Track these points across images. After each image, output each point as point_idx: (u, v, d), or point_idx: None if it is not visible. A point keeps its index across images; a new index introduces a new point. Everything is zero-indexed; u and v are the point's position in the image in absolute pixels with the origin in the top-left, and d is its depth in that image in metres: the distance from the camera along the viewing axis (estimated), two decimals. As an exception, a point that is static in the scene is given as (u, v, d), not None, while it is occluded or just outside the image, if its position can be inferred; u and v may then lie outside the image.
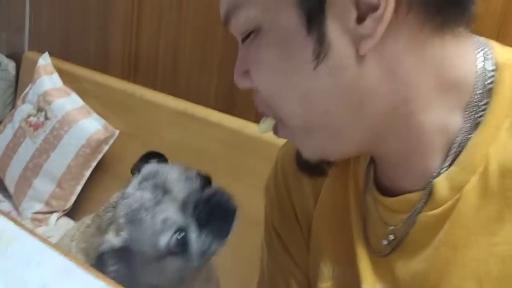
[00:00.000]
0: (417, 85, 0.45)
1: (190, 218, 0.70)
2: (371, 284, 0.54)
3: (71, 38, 1.78)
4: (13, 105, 1.90)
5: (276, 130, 0.52)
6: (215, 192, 0.74)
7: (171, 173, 0.73)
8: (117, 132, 1.52)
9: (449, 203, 0.47)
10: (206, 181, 0.75)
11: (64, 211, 1.58)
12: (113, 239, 0.70)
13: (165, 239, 0.68)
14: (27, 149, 1.57)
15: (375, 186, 0.54)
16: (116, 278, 0.67)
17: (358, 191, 0.57)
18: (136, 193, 0.71)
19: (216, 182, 1.25)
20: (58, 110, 1.55)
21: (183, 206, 0.70)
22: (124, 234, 0.70)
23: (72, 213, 1.60)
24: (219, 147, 1.28)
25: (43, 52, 1.72)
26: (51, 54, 1.72)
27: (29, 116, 1.60)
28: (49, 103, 1.57)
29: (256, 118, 1.30)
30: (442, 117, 0.46)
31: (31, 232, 0.59)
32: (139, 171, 0.76)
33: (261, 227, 0.72)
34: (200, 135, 1.33)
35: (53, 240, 1.43)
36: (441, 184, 0.47)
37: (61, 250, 0.58)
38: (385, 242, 0.53)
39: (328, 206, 0.61)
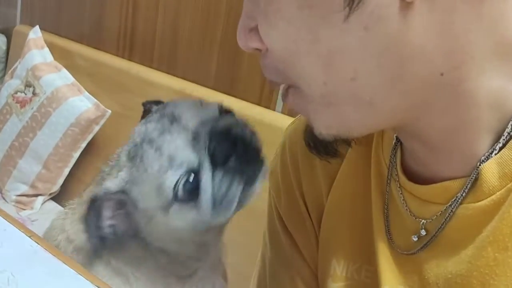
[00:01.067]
0: (470, 46, 0.36)
1: (203, 154, 0.53)
2: (393, 286, 0.46)
3: (64, 12, 1.69)
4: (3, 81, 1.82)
5: (286, 97, 0.43)
6: (236, 122, 0.56)
7: (182, 103, 0.57)
8: (109, 112, 1.44)
9: (498, 194, 0.38)
10: (224, 110, 0.59)
11: (50, 194, 1.51)
12: (109, 183, 0.55)
13: (172, 179, 0.52)
14: (13, 126, 1.50)
15: (403, 172, 0.46)
16: (114, 237, 0.55)
17: (381, 177, 0.49)
18: (141, 127, 0.56)
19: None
20: (47, 86, 1.47)
21: (195, 138, 0.53)
22: (122, 174, 0.56)
23: (59, 197, 1.52)
24: (218, 129, 1.20)
25: (35, 26, 1.64)
26: (43, 29, 1.64)
27: (16, 91, 1.52)
28: (37, 78, 1.49)
29: (258, 99, 1.23)
30: (496, 88, 0.37)
31: (-7, 207, 0.51)
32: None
33: (263, 218, 0.64)
34: (198, 117, 1.25)
35: (39, 225, 1.36)
36: (490, 169, 0.39)
37: (27, 230, 0.49)
38: (415, 239, 0.45)
39: (344, 194, 0.52)
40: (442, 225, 0.42)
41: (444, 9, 0.35)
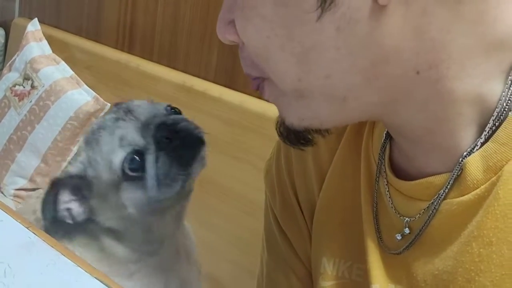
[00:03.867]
0: (448, 46, 0.36)
1: (150, 140, 0.61)
2: (382, 286, 0.45)
3: (63, 5, 1.68)
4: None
5: (262, 89, 0.43)
6: (182, 119, 0.66)
7: (136, 101, 0.66)
8: (108, 105, 1.42)
9: (483, 188, 0.38)
10: (175, 111, 0.69)
11: (49, 188, 1.49)
12: (70, 167, 0.64)
13: (120, 156, 0.60)
14: (11, 120, 1.48)
15: (390, 168, 0.45)
16: (70, 221, 0.62)
17: (371, 174, 0.48)
18: (100, 119, 0.67)
19: (214, 160, 1.16)
20: (45, 79, 1.45)
21: (144, 127, 0.62)
22: (81, 158, 0.63)
23: (57, 191, 1.51)
24: (218, 123, 1.20)
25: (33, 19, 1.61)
26: (42, 21, 1.62)
27: (15, 84, 1.51)
28: (36, 71, 1.47)
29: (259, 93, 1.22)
30: (477, 84, 0.37)
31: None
32: None
33: (263, 212, 0.64)
34: (198, 110, 1.24)
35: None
36: (474, 163, 0.38)
37: (24, 221, 0.48)
38: (398, 237, 0.44)
39: (335, 192, 0.52)
40: (426, 222, 0.41)
41: (420, 12, 0.35)
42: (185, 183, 0.62)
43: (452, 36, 0.36)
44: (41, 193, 0.73)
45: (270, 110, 1.19)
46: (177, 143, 0.62)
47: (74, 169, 0.63)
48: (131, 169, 0.61)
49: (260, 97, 1.20)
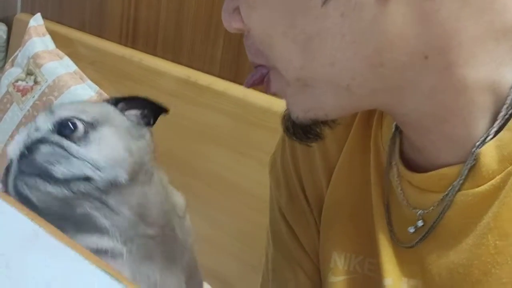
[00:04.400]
0: (457, 32, 0.35)
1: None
2: (395, 280, 0.45)
3: (65, 0, 1.66)
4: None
5: (267, 82, 0.43)
6: (52, 141, 0.61)
7: (72, 105, 0.66)
8: (112, 100, 1.40)
9: (498, 178, 0.37)
10: (71, 128, 0.64)
11: (52, 184, 1.48)
12: None
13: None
14: (13, 116, 1.46)
15: (401, 160, 0.44)
16: None
17: (381, 167, 0.47)
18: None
19: (219, 156, 1.15)
20: (48, 74, 1.43)
21: (27, 138, 0.61)
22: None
23: (61, 187, 1.50)
24: (223, 117, 1.19)
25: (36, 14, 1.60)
26: (44, 17, 1.60)
27: (17, 80, 1.49)
28: (39, 66, 1.46)
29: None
30: (489, 71, 0.37)
31: (-9, 189, 0.48)
32: None
33: (268, 207, 0.62)
34: (203, 105, 1.23)
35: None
36: (488, 153, 0.37)
37: (28, 213, 0.47)
38: (411, 230, 0.43)
39: (344, 185, 0.51)
40: (440, 214, 0.40)
41: None
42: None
43: (461, 24, 0.35)
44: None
45: (276, 104, 1.18)
46: (22, 161, 0.60)
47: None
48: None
49: (265, 91, 1.20)
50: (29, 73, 1.48)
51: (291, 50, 0.38)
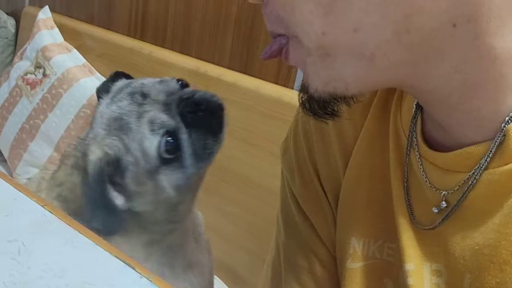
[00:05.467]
0: None
1: (177, 118, 0.61)
2: (416, 264, 0.43)
3: (74, -8, 1.66)
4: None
5: (286, 53, 0.40)
6: (195, 91, 0.65)
7: (145, 81, 0.65)
8: (121, 92, 1.40)
9: None
10: (183, 83, 0.68)
11: (62, 178, 1.47)
12: (99, 152, 0.60)
13: (155, 143, 0.59)
14: (23, 109, 1.46)
15: (423, 141, 0.43)
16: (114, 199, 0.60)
17: (401, 149, 0.45)
18: (112, 106, 0.62)
19: (230, 148, 1.14)
20: (57, 67, 1.43)
21: (166, 107, 0.61)
22: (110, 142, 0.60)
23: (70, 180, 1.50)
24: (234, 109, 1.15)
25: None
26: (52, 10, 1.60)
27: (26, 73, 1.49)
28: (48, 59, 1.45)
29: (275, 78, 1.19)
30: None
31: (2, 176, 0.48)
32: (107, 92, 0.67)
33: (279, 198, 0.61)
34: (212, 96, 1.21)
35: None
36: None
37: (39, 199, 0.46)
38: (435, 210, 0.41)
39: (362, 169, 0.49)
40: (464, 194, 0.39)
41: None
42: (216, 151, 0.63)
43: None
44: (45, 173, 0.71)
45: (287, 95, 1.17)
46: (201, 114, 0.62)
47: (108, 150, 0.60)
48: (168, 152, 0.60)
49: (276, 82, 1.19)
50: (38, 66, 1.48)
51: (313, 13, 0.36)
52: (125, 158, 0.60)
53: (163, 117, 0.60)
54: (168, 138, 0.60)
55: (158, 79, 0.67)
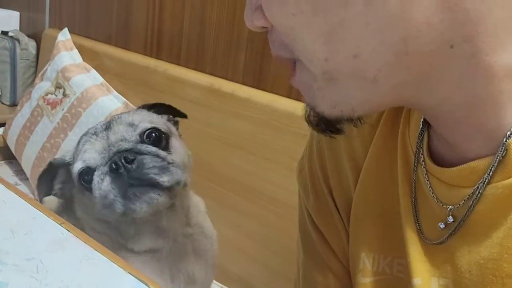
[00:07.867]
0: (483, 18, 0.34)
1: (105, 161, 0.64)
2: (424, 279, 0.43)
3: (92, 14, 1.71)
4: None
5: (291, 76, 0.42)
6: (150, 152, 0.65)
7: (128, 115, 0.70)
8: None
9: None
10: (157, 138, 0.68)
11: (82, 195, 1.50)
12: (67, 154, 0.71)
13: (76, 169, 0.66)
14: (44, 128, 1.50)
15: (430, 156, 0.43)
16: (61, 198, 0.71)
17: (408, 165, 0.46)
18: (96, 125, 0.70)
19: (245, 162, 1.16)
20: (77, 87, 1.47)
21: (109, 147, 0.65)
22: (72, 151, 0.71)
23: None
24: (247, 124, 1.19)
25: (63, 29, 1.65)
26: (72, 32, 1.65)
27: (47, 93, 1.53)
28: (67, 79, 1.49)
29: (288, 92, 1.20)
30: None
31: (22, 195, 0.50)
32: None
33: (296, 212, 0.62)
34: (227, 112, 1.24)
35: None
36: None
37: (57, 218, 0.48)
38: (441, 226, 0.42)
39: (371, 185, 0.50)
40: (469, 208, 0.39)
41: None
42: (126, 212, 0.63)
43: (487, 7, 0.34)
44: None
45: (300, 108, 1.17)
46: (124, 173, 0.62)
47: (67, 156, 0.71)
48: (84, 181, 0.66)
49: (289, 96, 1.20)
50: (58, 87, 1.52)
51: (315, 41, 0.37)
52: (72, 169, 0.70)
53: (93, 154, 0.66)
54: (84, 170, 0.66)
55: (135, 121, 0.70)
